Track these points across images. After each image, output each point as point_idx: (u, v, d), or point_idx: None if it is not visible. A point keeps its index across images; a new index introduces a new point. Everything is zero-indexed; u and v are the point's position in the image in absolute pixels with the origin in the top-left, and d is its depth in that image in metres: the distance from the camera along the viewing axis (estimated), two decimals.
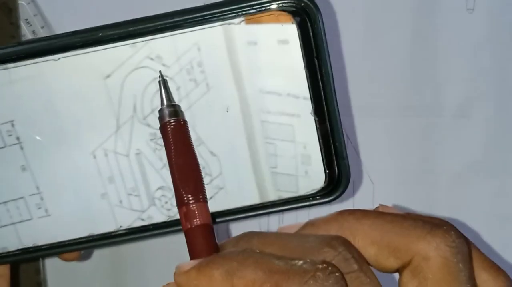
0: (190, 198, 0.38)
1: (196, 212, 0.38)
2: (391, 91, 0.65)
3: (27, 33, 0.64)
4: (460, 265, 0.32)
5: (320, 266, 0.31)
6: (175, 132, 0.40)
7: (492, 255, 0.63)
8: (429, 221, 0.34)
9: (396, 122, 0.65)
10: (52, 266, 0.65)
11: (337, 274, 0.31)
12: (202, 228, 0.38)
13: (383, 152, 0.66)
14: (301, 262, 0.31)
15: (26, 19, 0.64)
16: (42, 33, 0.64)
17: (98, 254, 0.66)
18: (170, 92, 0.42)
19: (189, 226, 0.38)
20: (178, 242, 0.59)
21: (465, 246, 0.33)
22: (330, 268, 0.31)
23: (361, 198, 0.66)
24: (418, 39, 0.65)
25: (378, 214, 0.35)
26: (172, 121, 0.40)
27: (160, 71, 0.42)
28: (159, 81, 0.42)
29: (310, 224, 0.36)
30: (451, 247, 0.32)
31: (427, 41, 0.65)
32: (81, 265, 0.66)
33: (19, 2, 0.63)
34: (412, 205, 0.66)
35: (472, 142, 0.65)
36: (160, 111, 0.41)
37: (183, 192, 0.39)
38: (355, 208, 0.65)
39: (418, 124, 0.65)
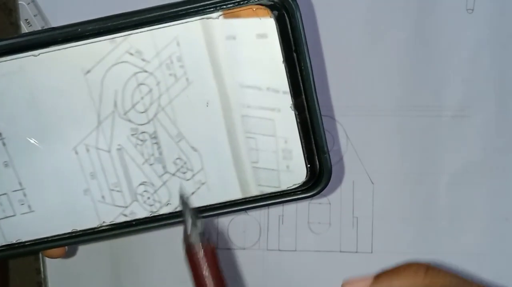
0: None
1: None
2: (391, 91, 0.65)
3: None
4: None
5: None
6: (208, 260, 0.40)
7: (493, 254, 0.62)
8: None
9: (396, 122, 0.65)
10: (52, 266, 0.66)
11: None
12: None
13: (383, 152, 0.66)
14: None
15: (26, 19, 0.64)
16: None
17: (98, 254, 0.66)
18: (194, 214, 0.41)
19: None
20: (178, 242, 0.59)
21: None
22: None
23: (361, 198, 0.66)
24: (418, 39, 0.65)
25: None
26: (202, 249, 0.40)
27: (181, 195, 0.42)
28: (182, 203, 0.42)
29: None
30: None
31: (427, 41, 0.65)
32: (81, 265, 0.67)
33: (19, 2, 0.64)
34: (412, 205, 0.66)
35: (472, 142, 0.65)
36: (186, 238, 0.41)
37: None
38: (355, 208, 0.65)
39: (418, 124, 0.65)
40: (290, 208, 0.64)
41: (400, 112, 0.65)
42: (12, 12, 0.63)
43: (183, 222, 0.41)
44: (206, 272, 0.39)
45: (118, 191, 0.45)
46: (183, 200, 0.42)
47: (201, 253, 0.40)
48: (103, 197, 0.45)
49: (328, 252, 0.66)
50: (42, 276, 0.65)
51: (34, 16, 0.64)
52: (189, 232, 0.40)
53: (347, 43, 0.66)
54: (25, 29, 0.64)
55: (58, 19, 0.65)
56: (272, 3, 0.41)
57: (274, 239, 0.66)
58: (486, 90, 0.65)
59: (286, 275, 0.66)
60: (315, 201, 0.65)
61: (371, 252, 0.65)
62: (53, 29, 0.42)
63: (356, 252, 0.66)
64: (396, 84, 0.65)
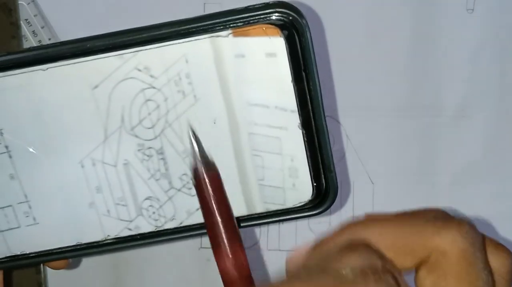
0: (232, 249, 0.40)
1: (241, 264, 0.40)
2: (391, 91, 0.65)
3: (27, 33, 0.64)
4: (477, 253, 0.32)
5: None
6: (214, 188, 0.42)
7: None
8: (437, 217, 0.34)
9: (396, 122, 0.65)
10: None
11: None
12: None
13: (383, 152, 0.66)
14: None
15: (26, 19, 0.64)
16: (43, 33, 0.64)
17: None
18: (201, 145, 0.42)
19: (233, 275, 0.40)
20: (179, 245, 0.59)
21: (479, 234, 0.33)
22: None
23: (361, 198, 0.66)
24: (418, 39, 0.65)
25: (385, 218, 0.34)
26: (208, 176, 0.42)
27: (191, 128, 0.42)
28: (190, 136, 0.42)
29: (317, 245, 0.36)
30: (466, 238, 0.32)
31: (427, 41, 0.65)
32: (82, 265, 0.67)
33: (19, 2, 0.63)
34: (412, 205, 0.66)
35: (472, 142, 0.65)
36: (195, 167, 0.42)
37: (228, 245, 0.40)
38: (355, 208, 0.65)
39: (418, 124, 0.65)
40: None
41: (400, 112, 0.65)
42: (12, 12, 0.63)
43: (191, 151, 0.42)
44: (213, 198, 0.41)
45: (123, 205, 0.45)
46: (192, 132, 0.42)
47: (207, 179, 0.42)
48: (108, 211, 0.45)
49: None
50: (42, 275, 0.65)
51: (34, 16, 0.64)
52: (197, 157, 0.42)
53: (347, 43, 0.66)
54: (25, 29, 0.64)
55: (58, 19, 0.65)
56: (282, 22, 0.41)
57: (274, 239, 0.66)
58: (486, 90, 0.65)
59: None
60: None
61: None
62: (62, 43, 0.42)
63: None
64: (396, 84, 0.65)
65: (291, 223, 0.65)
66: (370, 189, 0.66)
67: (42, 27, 0.65)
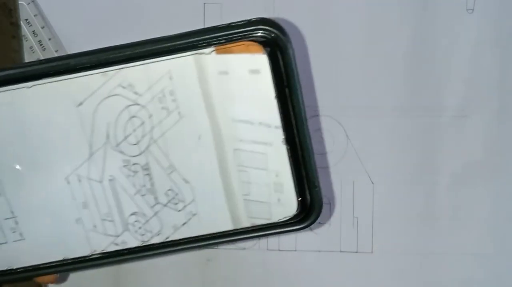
0: None
1: None
2: (391, 91, 0.65)
3: (27, 33, 0.64)
4: None
5: None
6: None
7: (493, 254, 0.63)
8: None
9: (396, 122, 0.65)
10: None
11: None
12: None
13: (383, 152, 0.66)
14: None
15: (26, 19, 0.64)
16: (43, 33, 0.64)
17: None
18: None
19: None
20: None
21: None
22: None
23: (361, 198, 0.66)
24: (418, 39, 0.65)
25: None
26: None
27: None
28: None
29: None
30: None
31: (427, 41, 0.65)
32: None
33: (19, 2, 0.64)
34: (412, 205, 0.66)
35: (472, 142, 0.65)
36: None
37: None
38: (355, 208, 0.65)
39: (418, 124, 0.65)
40: None
41: (400, 112, 0.65)
42: (12, 12, 0.63)
43: None
44: None
45: (109, 220, 0.45)
46: None
47: None
48: (94, 226, 0.45)
49: (328, 252, 0.66)
50: None
51: (34, 16, 0.64)
52: None
53: (347, 43, 0.66)
54: (25, 29, 0.64)
55: (58, 19, 0.65)
56: (265, 39, 0.41)
57: (274, 239, 0.67)
58: (486, 90, 0.65)
59: (286, 275, 0.67)
60: None
61: (371, 252, 0.66)
62: (46, 61, 0.42)
63: (356, 252, 0.66)
64: (396, 84, 0.65)
65: None
66: (370, 189, 0.66)
67: (42, 27, 0.65)
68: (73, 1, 0.66)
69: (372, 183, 0.66)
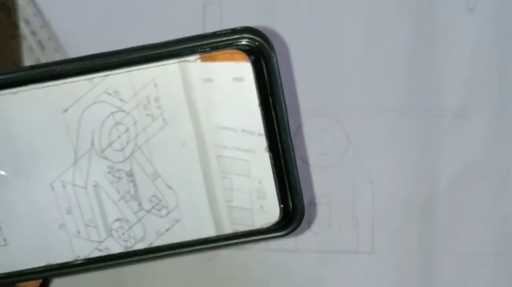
0: None
1: None
2: (391, 91, 0.65)
3: (26, 33, 0.64)
4: None
5: None
6: None
7: (493, 254, 0.63)
8: None
9: (396, 122, 0.65)
10: None
11: None
12: None
13: (383, 152, 0.66)
14: None
15: (26, 19, 0.64)
16: (42, 33, 0.65)
17: None
18: None
19: None
20: None
21: None
22: None
23: (361, 198, 0.66)
24: (418, 39, 0.65)
25: None
26: None
27: None
28: None
29: None
30: None
31: (427, 41, 0.65)
32: None
33: (19, 2, 0.64)
34: (412, 205, 0.66)
35: (472, 142, 0.65)
36: None
37: None
38: (355, 208, 0.65)
39: (418, 124, 0.65)
40: None
41: (400, 112, 0.65)
42: (12, 12, 0.63)
43: None
44: None
45: (93, 226, 0.45)
46: None
47: None
48: (78, 232, 0.46)
49: (328, 252, 0.66)
50: None
51: (34, 16, 0.65)
52: None
53: (347, 42, 0.66)
54: (24, 29, 0.65)
55: (58, 19, 0.65)
56: (249, 48, 0.41)
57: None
58: (486, 90, 0.65)
59: (286, 275, 0.67)
60: (315, 202, 0.66)
61: (372, 252, 0.66)
62: (32, 67, 0.42)
63: (357, 252, 0.66)
64: (396, 84, 0.65)
65: None
66: (370, 189, 0.66)
67: (42, 27, 0.65)
68: (73, 1, 0.66)
69: (372, 183, 0.66)
